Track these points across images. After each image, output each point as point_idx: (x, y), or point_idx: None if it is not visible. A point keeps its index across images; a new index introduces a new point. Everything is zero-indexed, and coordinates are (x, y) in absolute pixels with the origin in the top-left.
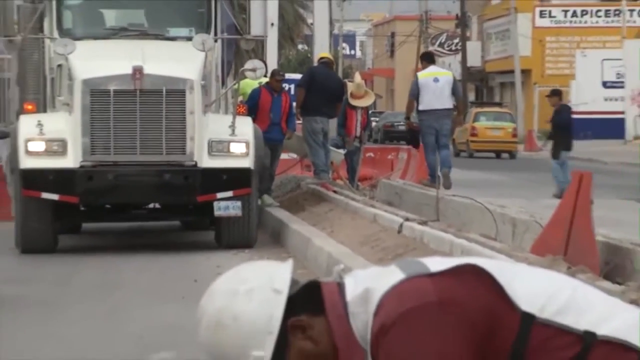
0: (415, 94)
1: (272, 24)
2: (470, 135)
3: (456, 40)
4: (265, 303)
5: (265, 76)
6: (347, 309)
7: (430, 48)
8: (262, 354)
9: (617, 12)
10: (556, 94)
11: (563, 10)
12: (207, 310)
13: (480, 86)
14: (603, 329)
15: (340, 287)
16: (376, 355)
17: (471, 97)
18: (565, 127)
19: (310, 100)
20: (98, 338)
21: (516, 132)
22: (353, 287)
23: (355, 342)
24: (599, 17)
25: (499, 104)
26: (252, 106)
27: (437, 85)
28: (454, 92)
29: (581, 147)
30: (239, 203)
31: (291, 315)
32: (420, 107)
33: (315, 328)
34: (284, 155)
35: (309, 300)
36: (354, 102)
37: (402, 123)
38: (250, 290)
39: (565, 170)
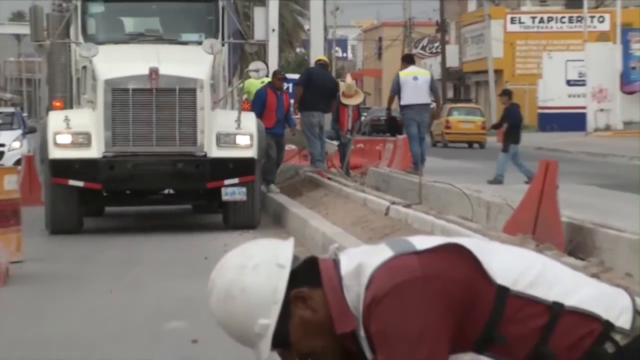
0: (395, 90)
1: (273, 30)
2: (444, 128)
3: (436, 44)
4: (270, 276)
5: (267, 76)
6: (341, 283)
7: (414, 51)
8: (268, 322)
9: (579, 19)
10: (506, 93)
11: (531, 17)
12: (217, 283)
13: (458, 85)
14: (570, 301)
15: (336, 263)
16: (368, 324)
17: (450, 94)
18: (514, 124)
19: (308, 97)
20: (118, 309)
21: (485, 125)
22: (347, 263)
23: (349, 312)
24: (563, 23)
25: (470, 100)
26: (260, 105)
27: (417, 82)
28: (432, 89)
29: (547, 139)
30: (244, 189)
31: (292, 287)
32: (402, 102)
33: (314, 299)
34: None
35: (308, 274)
36: (345, 101)
37: (384, 116)
38: (257, 265)
39: (518, 159)
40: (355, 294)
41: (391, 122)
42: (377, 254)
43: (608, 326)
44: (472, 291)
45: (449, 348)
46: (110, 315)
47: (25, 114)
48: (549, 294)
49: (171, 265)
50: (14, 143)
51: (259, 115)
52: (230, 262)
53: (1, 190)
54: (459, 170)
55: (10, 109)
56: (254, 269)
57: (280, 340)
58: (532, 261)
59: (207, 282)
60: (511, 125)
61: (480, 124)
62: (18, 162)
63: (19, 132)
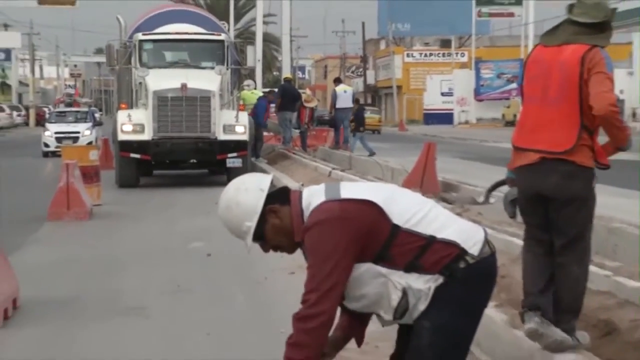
0: (334, 99)
1: (259, 60)
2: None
3: (360, 69)
4: (254, 196)
5: (255, 89)
6: (302, 209)
7: (346, 74)
8: (251, 224)
9: (449, 54)
10: (357, 102)
11: (420, 53)
12: (223, 198)
13: (374, 95)
14: (440, 234)
15: (300, 194)
16: (303, 244)
17: (369, 101)
18: (360, 119)
19: (283, 102)
20: (161, 234)
21: (381, 120)
22: (306, 196)
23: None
24: (439, 57)
25: (373, 105)
26: (263, 109)
27: (346, 94)
28: (353, 99)
29: (429, 129)
30: (240, 159)
31: (269, 203)
32: (337, 106)
33: (282, 212)
34: (265, 133)
35: (280, 196)
36: (306, 104)
37: (326, 115)
38: (247, 189)
39: (364, 141)
40: (305, 219)
41: (332, 120)
42: (317, 196)
43: (463, 252)
44: (374, 227)
45: (352, 263)
46: (156, 238)
47: (100, 113)
48: (428, 229)
49: (194, 207)
50: (85, 131)
51: (262, 115)
52: (232, 186)
53: (87, 160)
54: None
55: (85, 109)
56: (245, 190)
57: (259, 236)
58: (422, 206)
59: (218, 217)
60: (357, 120)
61: (377, 118)
62: (88, 144)
63: (90, 124)
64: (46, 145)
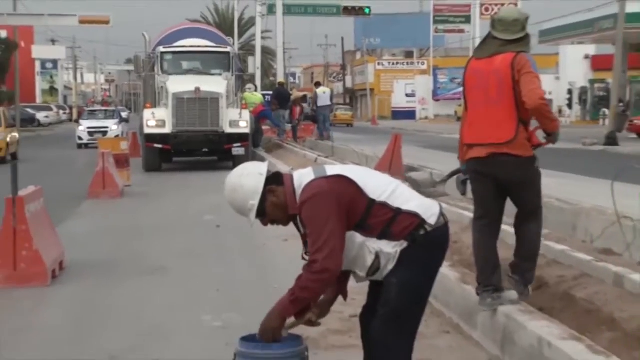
0: (315, 99)
1: (258, 68)
2: (334, 117)
3: (340, 75)
4: (255, 180)
5: (255, 91)
6: (294, 188)
7: (329, 79)
8: (254, 203)
9: (411, 63)
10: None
11: (388, 62)
12: (228, 182)
13: (352, 96)
14: (405, 207)
15: (291, 176)
16: (300, 215)
17: (348, 101)
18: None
19: (278, 102)
20: (178, 210)
21: (353, 116)
22: (297, 178)
23: (296, 203)
24: (404, 65)
25: (349, 104)
26: (269, 112)
27: (325, 95)
28: (330, 98)
29: (396, 124)
30: (243, 148)
31: (267, 185)
32: (318, 104)
33: (279, 192)
34: (265, 127)
35: (276, 179)
36: (297, 96)
37: (309, 112)
38: (249, 174)
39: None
40: (297, 196)
41: (314, 116)
42: (307, 176)
43: (423, 221)
44: (354, 200)
45: (344, 228)
46: (174, 213)
47: (129, 111)
48: (395, 203)
49: (205, 187)
50: (113, 126)
51: (270, 116)
52: (235, 172)
53: (119, 149)
54: (347, 138)
55: (113, 108)
56: (247, 175)
57: (260, 213)
58: (390, 184)
59: (225, 198)
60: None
61: (350, 114)
62: (115, 137)
63: (116, 120)
64: (80, 138)
